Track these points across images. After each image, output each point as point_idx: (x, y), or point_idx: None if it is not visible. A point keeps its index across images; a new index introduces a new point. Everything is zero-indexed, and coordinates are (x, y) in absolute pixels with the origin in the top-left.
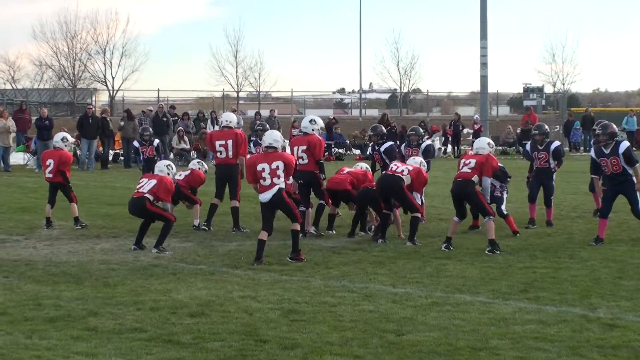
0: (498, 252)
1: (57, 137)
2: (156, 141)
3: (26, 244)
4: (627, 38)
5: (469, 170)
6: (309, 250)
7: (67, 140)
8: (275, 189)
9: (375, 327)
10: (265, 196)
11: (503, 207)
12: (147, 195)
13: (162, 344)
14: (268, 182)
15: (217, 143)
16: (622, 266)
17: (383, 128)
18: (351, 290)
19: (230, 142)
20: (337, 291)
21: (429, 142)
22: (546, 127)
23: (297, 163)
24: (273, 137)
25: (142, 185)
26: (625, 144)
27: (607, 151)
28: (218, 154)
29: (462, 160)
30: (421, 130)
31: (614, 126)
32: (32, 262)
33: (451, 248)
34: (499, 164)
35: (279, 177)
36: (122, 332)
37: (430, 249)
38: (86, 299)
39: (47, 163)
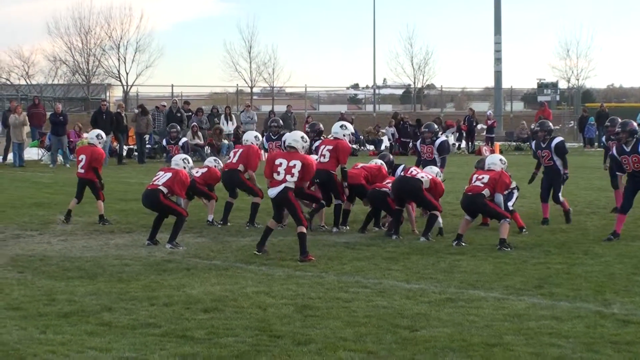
0: (508, 249)
1: (92, 133)
2: (183, 140)
3: (40, 239)
4: None
5: (482, 185)
6: (323, 245)
7: (102, 137)
8: (281, 187)
9: (389, 322)
10: (272, 192)
11: (510, 203)
12: (161, 187)
13: (175, 340)
14: (281, 177)
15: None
16: (637, 262)
17: (436, 126)
18: (365, 286)
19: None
20: (350, 287)
21: (443, 137)
22: (549, 124)
23: (319, 161)
24: (293, 137)
25: (158, 178)
26: None
27: (628, 149)
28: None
29: (475, 175)
30: (435, 126)
31: (634, 123)
32: (46, 257)
33: (463, 244)
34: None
35: (292, 175)
36: (135, 328)
37: (444, 245)
38: (100, 294)
39: (80, 158)
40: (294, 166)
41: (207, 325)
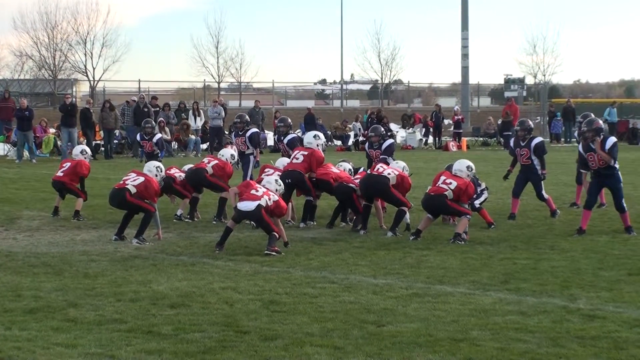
0: (462, 242)
1: (76, 150)
2: (157, 136)
3: (6, 235)
4: (607, 29)
5: (445, 187)
6: (290, 241)
7: (86, 152)
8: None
9: (356, 318)
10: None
11: (477, 202)
12: (129, 187)
13: (142, 335)
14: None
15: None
16: (603, 257)
17: (382, 129)
18: (332, 281)
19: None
20: (317, 282)
21: (390, 141)
22: (529, 123)
23: (291, 162)
24: (307, 139)
25: (128, 179)
26: (611, 140)
27: (594, 146)
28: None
29: (443, 177)
30: (381, 129)
31: (600, 122)
32: (12, 253)
33: (418, 239)
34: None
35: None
36: (102, 323)
37: (412, 241)
38: (66, 290)
39: (64, 165)
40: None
41: (173, 320)
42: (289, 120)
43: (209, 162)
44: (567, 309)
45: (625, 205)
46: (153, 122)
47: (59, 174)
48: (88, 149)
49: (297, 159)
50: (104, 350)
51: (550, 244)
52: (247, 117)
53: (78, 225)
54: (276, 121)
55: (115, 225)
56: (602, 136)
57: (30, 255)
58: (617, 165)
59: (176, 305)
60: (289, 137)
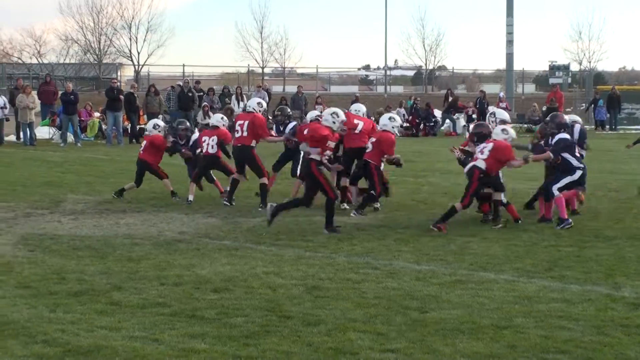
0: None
1: (149, 125)
2: (193, 137)
3: (51, 218)
4: None
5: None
6: (338, 225)
7: (159, 126)
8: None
9: (399, 304)
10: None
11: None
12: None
13: (185, 319)
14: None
15: (237, 123)
16: None
17: (288, 109)
18: (375, 267)
19: (246, 122)
20: (360, 268)
21: (294, 122)
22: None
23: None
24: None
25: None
26: (557, 137)
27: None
28: (236, 133)
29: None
30: (288, 110)
31: (565, 117)
32: (56, 236)
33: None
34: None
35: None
36: (145, 307)
37: (455, 227)
38: (110, 274)
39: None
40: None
41: (216, 305)
42: (288, 109)
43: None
44: (611, 297)
45: (555, 192)
46: (187, 124)
47: (141, 151)
48: (161, 122)
49: (237, 132)
50: (148, 334)
51: (594, 231)
52: (288, 109)
53: (123, 209)
54: (276, 110)
55: (159, 209)
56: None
57: (74, 238)
58: (571, 161)
59: (219, 290)
60: (290, 125)
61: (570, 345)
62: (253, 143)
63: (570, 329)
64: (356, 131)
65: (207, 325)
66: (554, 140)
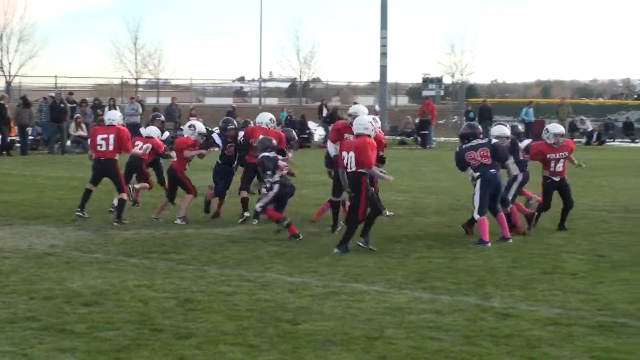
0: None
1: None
2: (166, 134)
3: None
4: (524, 30)
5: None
6: (206, 239)
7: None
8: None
9: (271, 316)
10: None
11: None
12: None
13: (55, 333)
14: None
15: (99, 137)
16: (517, 256)
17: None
18: (247, 280)
19: (112, 136)
20: (233, 280)
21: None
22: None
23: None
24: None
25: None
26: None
27: None
28: (98, 147)
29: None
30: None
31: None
32: None
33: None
34: None
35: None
36: (14, 321)
37: (328, 239)
38: None
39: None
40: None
41: (87, 319)
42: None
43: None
44: (481, 307)
45: (476, 216)
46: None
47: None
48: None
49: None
50: (17, 349)
51: (465, 243)
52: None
53: None
54: (191, 119)
55: (29, 222)
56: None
57: None
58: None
59: (90, 303)
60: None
61: (440, 356)
62: (117, 156)
63: (441, 340)
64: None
65: (77, 340)
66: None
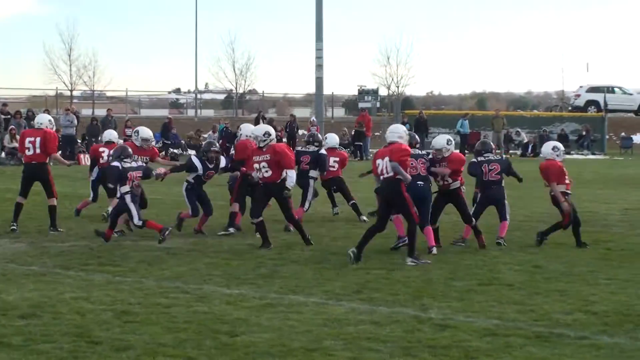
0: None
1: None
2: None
3: None
4: (459, 42)
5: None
6: (143, 250)
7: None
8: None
9: (209, 328)
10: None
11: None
12: None
13: None
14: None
15: (27, 140)
16: (454, 267)
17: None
18: (185, 292)
19: (38, 139)
20: (170, 292)
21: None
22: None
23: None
24: (398, 133)
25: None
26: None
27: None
28: (27, 150)
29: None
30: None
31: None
32: None
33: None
34: None
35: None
36: None
37: (265, 251)
38: None
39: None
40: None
41: (24, 331)
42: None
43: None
44: (418, 318)
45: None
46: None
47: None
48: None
49: (28, 149)
50: None
51: (403, 254)
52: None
53: None
54: (127, 130)
55: None
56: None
57: None
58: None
59: (26, 316)
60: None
61: None
62: (48, 160)
63: (378, 351)
64: None
65: (14, 352)
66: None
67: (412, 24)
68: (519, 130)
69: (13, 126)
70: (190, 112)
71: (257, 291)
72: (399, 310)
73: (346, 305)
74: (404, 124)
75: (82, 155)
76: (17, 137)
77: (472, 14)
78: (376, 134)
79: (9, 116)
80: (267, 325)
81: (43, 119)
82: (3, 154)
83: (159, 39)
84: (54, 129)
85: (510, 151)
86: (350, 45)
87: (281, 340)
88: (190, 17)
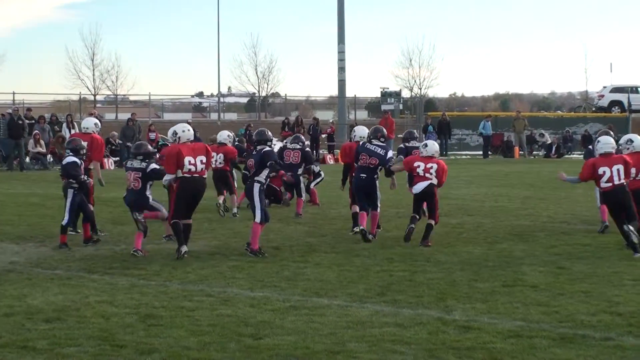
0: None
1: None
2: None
3: None
4: (482, 43)
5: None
6: (167, 254)
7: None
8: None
9: (233, 331)
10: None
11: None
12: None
13: (16, 350)
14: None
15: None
16: (477, 269)
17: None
18: (209, 295)
19: (85, 144)
20: (194, 295)
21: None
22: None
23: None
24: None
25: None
26: None
27: None
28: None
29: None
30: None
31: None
32: None
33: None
34: None
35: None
36: None
37: (289, 253)
38: None
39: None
40: (431, 167)
41: (49, 335)
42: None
43: None
44: (442, 320)
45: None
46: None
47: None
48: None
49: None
50: None
51: (426, 256)
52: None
53: None
54: (150, 134)
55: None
56: None
57: None
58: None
59: (51, 320)
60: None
61: None
62: (91, 166)
63: (403, 353)
64: None
65: (38, 356)
66: None
67: (435, 26)
68: (543, 132)
69: (37, 131)
70: (214, 116)
71: (281, 294)
72: (423, 312)
73: (370, 307)
74: (427, 126)
75: (105, 160)
76: (42, 142)
77: (495, 15)
78: (399, 136)
79: (33, 121)
80: (291, 328)
81: (89, 124)
82: (28, 159)
83: (181, 42)
84: (100, 132)
85: (534, 152)
86: (372, 47)
87: (305, 343)
88: (212, 21)
